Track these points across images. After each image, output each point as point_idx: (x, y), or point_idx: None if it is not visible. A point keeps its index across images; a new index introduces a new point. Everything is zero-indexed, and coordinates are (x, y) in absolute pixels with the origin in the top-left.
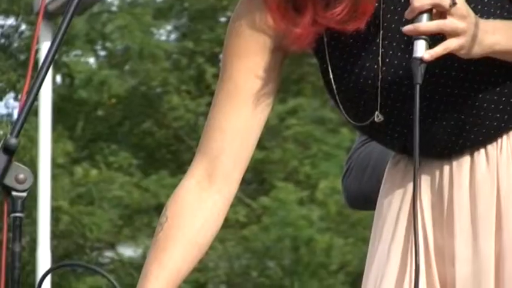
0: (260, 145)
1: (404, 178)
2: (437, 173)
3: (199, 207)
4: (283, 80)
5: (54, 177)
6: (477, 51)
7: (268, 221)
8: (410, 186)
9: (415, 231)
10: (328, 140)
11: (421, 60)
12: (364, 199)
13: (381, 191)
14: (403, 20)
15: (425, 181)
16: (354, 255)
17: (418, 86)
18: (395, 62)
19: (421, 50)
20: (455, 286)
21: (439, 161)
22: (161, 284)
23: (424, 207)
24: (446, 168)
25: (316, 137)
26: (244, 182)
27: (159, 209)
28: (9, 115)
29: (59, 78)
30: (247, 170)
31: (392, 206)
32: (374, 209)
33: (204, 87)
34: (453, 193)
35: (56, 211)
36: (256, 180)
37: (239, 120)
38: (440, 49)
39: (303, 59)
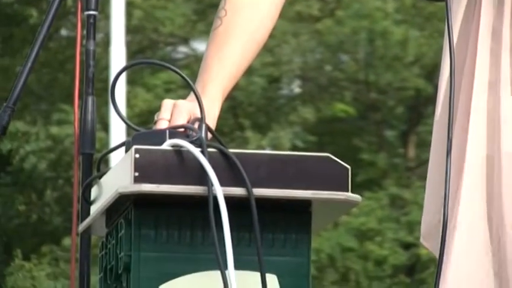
0: None
1: None
2: None
3: (258, 1)
4: None
5: None
6: None
7: (342, 13)
8: None
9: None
10: None
11: None
12: None
13: None
14: None
15: None
16: (430, 47)
17: None
18: None
19: None
20: None
21: None
22: (220, 81)
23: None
24: None
25: None
26: None
27: None
28: None
29: None
30: None
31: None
32: None
33: None
34: None
35: (129, 6)
36: None
37: None
38: None
39: None
